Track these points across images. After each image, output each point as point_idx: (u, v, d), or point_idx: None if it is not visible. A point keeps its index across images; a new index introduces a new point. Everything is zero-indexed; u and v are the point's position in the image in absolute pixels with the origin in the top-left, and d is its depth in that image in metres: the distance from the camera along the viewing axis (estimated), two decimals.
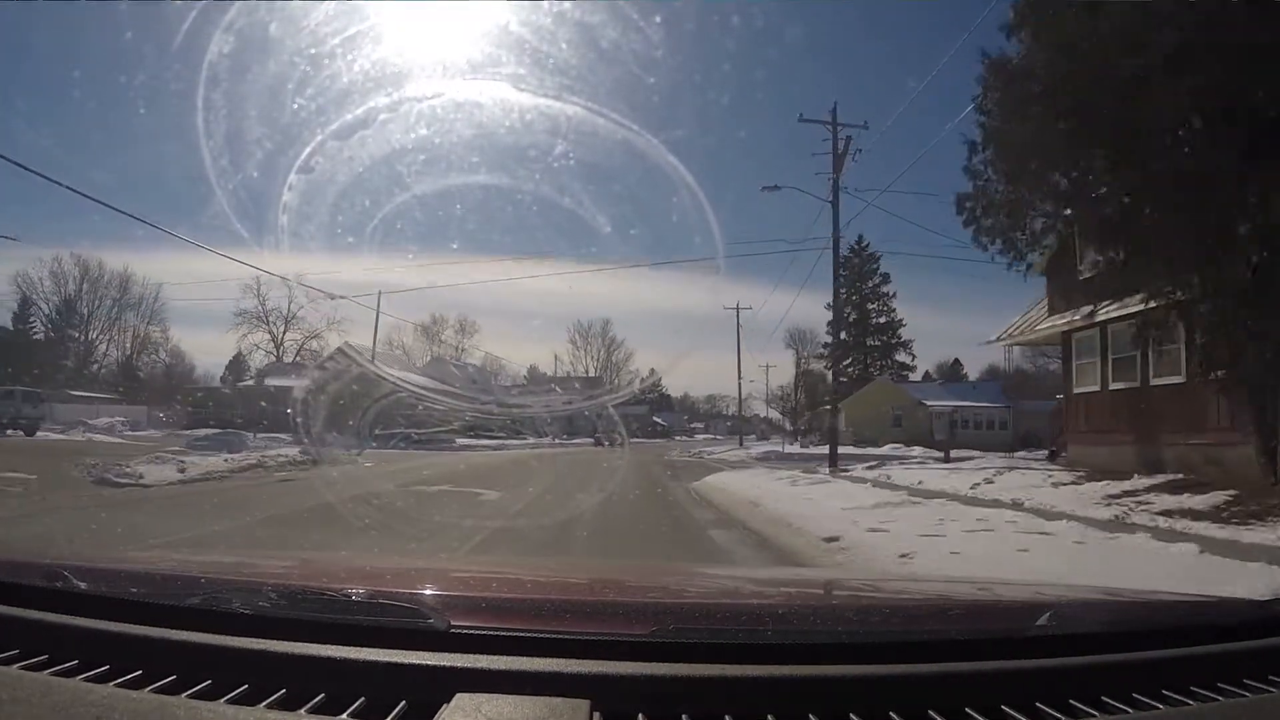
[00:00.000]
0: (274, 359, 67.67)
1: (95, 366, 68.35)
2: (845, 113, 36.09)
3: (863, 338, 72.64)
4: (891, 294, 74.00)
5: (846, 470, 23.05)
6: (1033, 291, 21.85)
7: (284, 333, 70.58)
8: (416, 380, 45.76)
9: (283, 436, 37.86)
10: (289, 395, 50.71)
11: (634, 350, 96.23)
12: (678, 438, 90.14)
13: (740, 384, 68.05)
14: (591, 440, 52.76)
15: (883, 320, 74.21)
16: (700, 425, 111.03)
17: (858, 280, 71.46)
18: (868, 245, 71.27)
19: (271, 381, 57.67)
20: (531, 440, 53.21)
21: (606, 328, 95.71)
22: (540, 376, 75.97)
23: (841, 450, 32.87)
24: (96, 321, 69.40)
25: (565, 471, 22.67)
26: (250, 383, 61.54)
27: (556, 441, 52.41)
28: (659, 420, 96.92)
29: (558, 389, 67.55)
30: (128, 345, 70.91)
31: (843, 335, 67.71)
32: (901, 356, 74.43)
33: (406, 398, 35.85)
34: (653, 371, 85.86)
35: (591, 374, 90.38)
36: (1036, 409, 57.87)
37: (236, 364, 71.47)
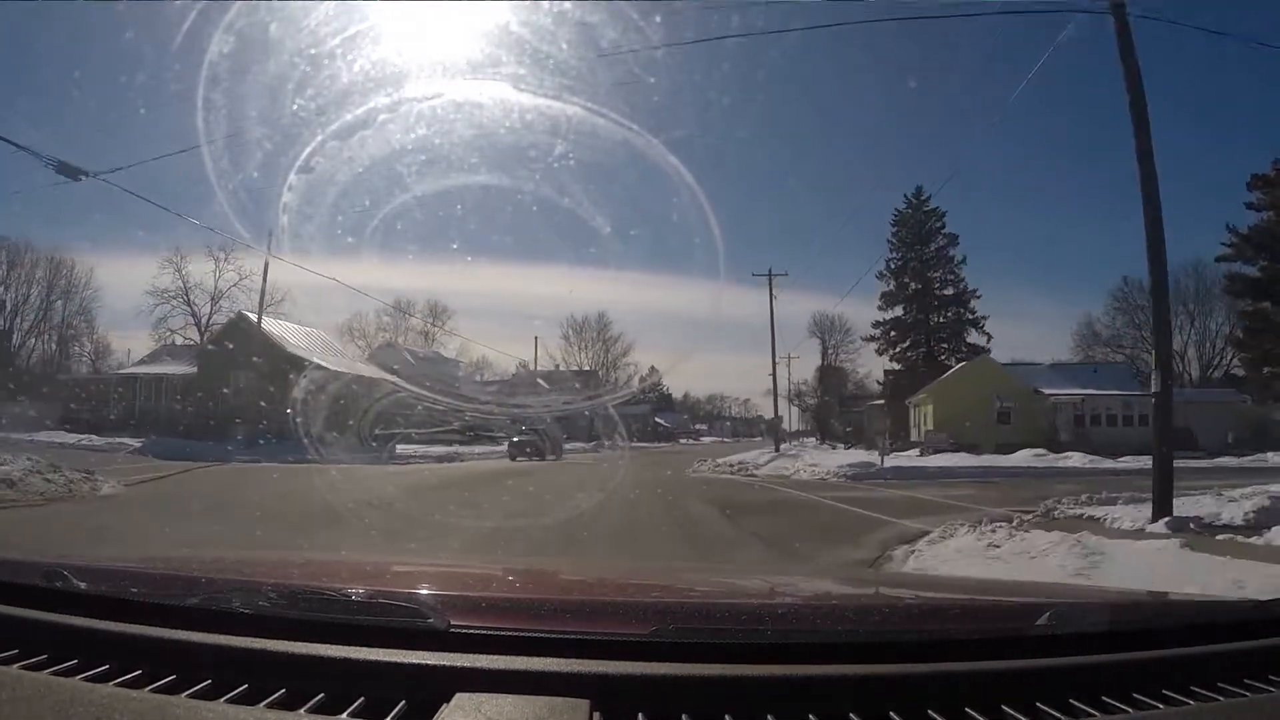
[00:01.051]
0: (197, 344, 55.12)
1: (21, 361, 58.19)
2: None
3: (925, 314, 57.07)
4: (960, 259, 57.52)
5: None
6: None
7: (210, 314, 59.33)
8: (342, 369, 38.34)
9: (127, 442, 30.88)
10: (164, 385, 44.33)
11: (632, 344, 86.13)
12: (683, 440, 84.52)
13: (775, 370, 52.78)
14: (511, 448, 36.06)
15: (949, 292, 57.56)
16: (704, 427, 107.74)
17: (917, 242, 56.59)
18: (929, 198, 56.07)
19: (152, 369, 47.83)
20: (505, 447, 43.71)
21: (602, 321, 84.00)
22: (526, 372, 63.43)
23: (968, 463, 25.92)
24: (29, 312, 59.88)
25: (488, 530, 10.99)
26: (136, 371, 49.75)
27: None
28: (661, 421, 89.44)
29: (543, 383, 57.84)
30: (51, 337, 61.61)
31: (898, 310, 57.65)
32: (974, 338, 57.56)
33: (326, 388, 30.85)
34: (653, 369, 79.67)
35: (586, 369, 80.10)
36: (1183, 398, 41.58)
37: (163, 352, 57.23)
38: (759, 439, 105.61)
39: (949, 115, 73.77)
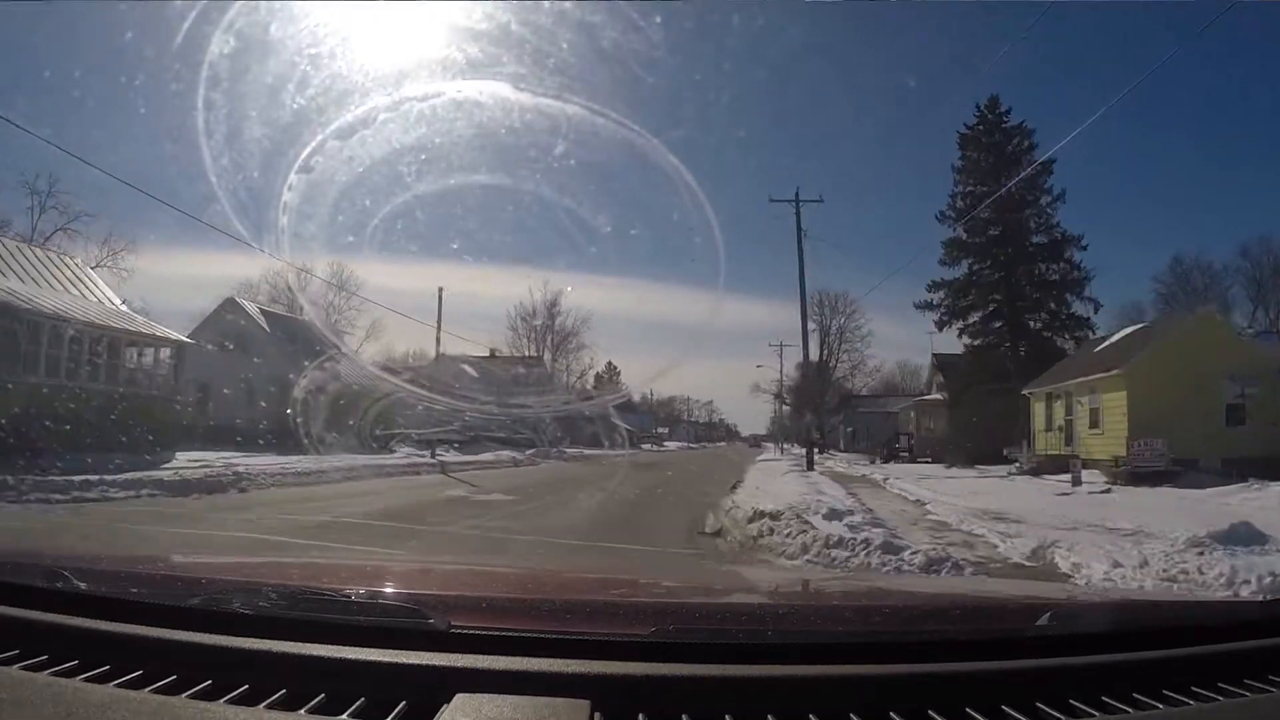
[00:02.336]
0: None
1: None
2: None
3: (1008, 270, 40.06)
4: (1057, 196, 40.07)
5: None
6: None
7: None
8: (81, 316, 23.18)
9: None
10: None
11: (586, 325, 70.17)
12: (645, 445, 70.86)
13: (806, 339, 35.63)
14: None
15: (1043, 240, 40.32)
16: (665, 430, 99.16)
17: (996, 170, 39.27)
18: (1008, 111, 40.76)
19: None
20: (400, 457, 27.68)
21: (554, 299, 66.24)
22: (450, 358, 48.24)
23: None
24: None
25: None
26: None
27: (433, 459, 27.95)
28: (620, 423, 78.24)
29: (470, 370, 45.31)
30: None
31: (965, 267, 41.18)
32: (1079, 308, 40.46)
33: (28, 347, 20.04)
34: (610, 365, 71.79)
35: (529, 355, 64.23)
36: None
37: None
38: (723, 444, 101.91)
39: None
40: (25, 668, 1.32)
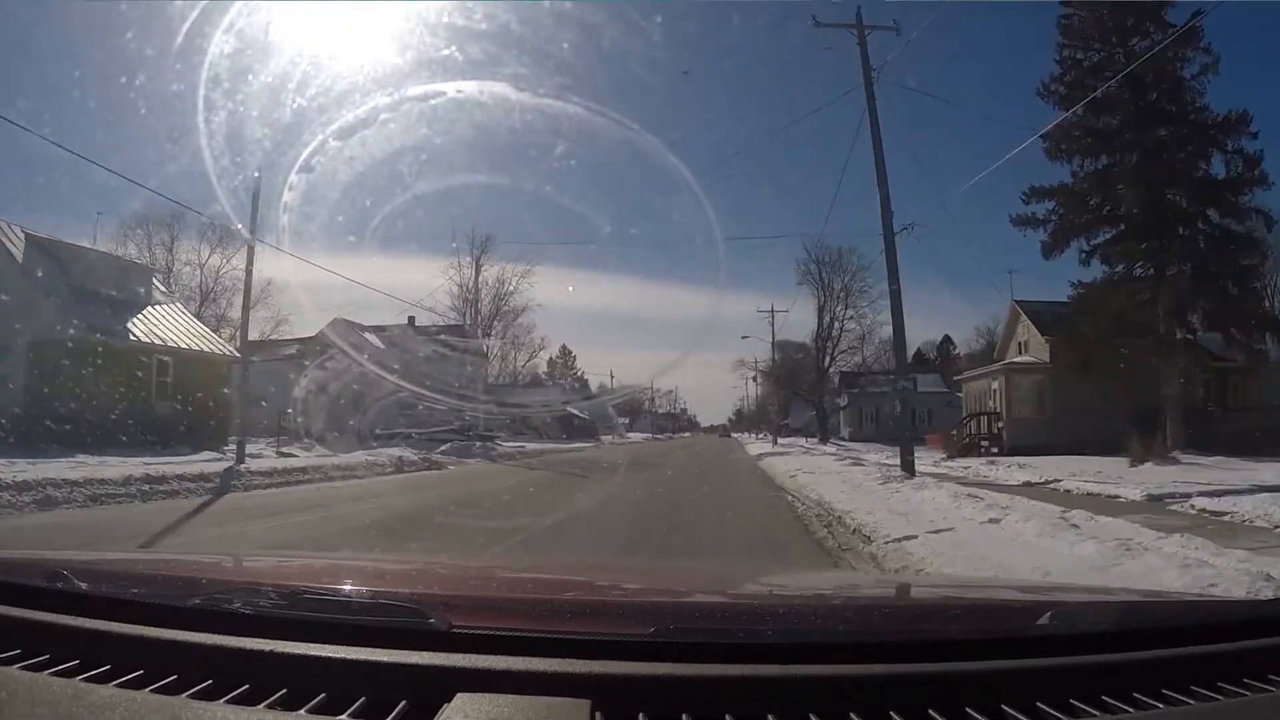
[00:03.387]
0: None
1: None
2: None
3: (1152, 165, 26.27)
4: (1209, 63, 26.66)
5: None
6: None
7: None
8: None
9: None
10: None
11: (531, 300, 55.54)
12: (606, 437, 63.91)
13: (892, 243, 18.50)
14: None
15: (1192, 118, 26.75)
16: (626, 420, 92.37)
17: (1123, 29, 27.05)
18: None
19: None
20: (196, 461, 17.43)
21: (487, 245, 51.37)
22: (345, 324, 38.77)
23: None
24: None
25: None
26: None
27: (240, 464, 17.34)
28: (577, 413, 61.97)
29: (375, 341, 36.30)
30: None
31: (1081, 163, 27.86)
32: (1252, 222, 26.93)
33: None
34: (565, 349, 67.35)
35: (456, 324, 51.38)
36: None
37: None
38: (687, 434, 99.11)
39: None
40: (26, 667, 1.32)
